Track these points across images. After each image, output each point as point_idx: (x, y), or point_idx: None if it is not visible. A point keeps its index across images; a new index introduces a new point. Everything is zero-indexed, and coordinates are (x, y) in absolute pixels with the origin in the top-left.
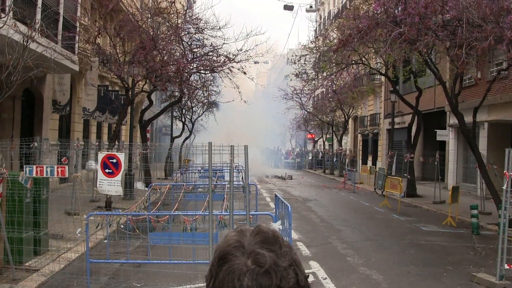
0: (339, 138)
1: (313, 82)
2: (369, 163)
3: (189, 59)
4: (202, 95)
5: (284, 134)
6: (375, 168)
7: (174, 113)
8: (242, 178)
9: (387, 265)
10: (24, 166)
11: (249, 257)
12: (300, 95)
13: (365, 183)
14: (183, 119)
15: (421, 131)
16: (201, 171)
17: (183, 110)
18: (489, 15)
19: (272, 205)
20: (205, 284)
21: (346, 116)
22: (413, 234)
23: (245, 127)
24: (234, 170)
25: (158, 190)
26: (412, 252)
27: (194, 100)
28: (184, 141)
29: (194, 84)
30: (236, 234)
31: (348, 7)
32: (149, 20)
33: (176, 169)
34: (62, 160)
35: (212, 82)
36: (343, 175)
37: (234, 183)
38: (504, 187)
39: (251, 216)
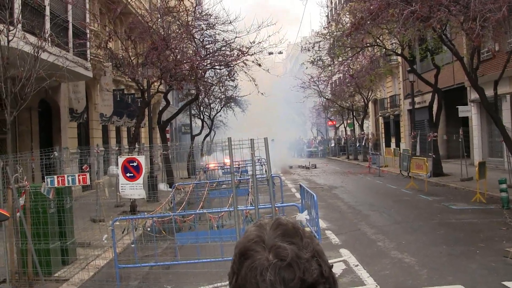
0: (360, 123)
1: (329, 68)
2: (393, 145)
3: (202, 56)
4: (218, 91)
5: (304, 123)
6: (399, 150)
7: (192, 111)
8: (265, 170)
9: (418, 247)
10: (45, 177)
11: (270, 251)
12: (317, 83)
13: (390, 166)
14: (202, 117)
15: (443, 109)
16: (224, 167)
17: (201, 107)
18: None
19: (298, 195)
20: (228, 282)
21: (366, 100)
22: (442, 213)
23: (264, 119)
24: (257, 164)
25: (181, 190)
26: (443, 232)
27: (211, 97)
28: (204, 139)
29: (209, 81)
30: (256, 229)
31: None
32: (159, 20)
33: (198, 167)
34: (83, 167)
35: (227, 77)
36: (367, 160)
37: (257, 176)
38: None
39: (276, 209)
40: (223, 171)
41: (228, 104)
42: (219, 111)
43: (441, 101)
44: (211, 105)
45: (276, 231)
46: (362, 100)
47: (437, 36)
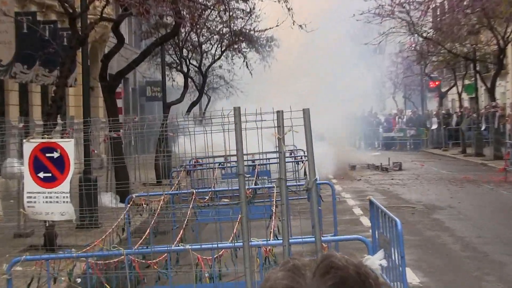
0: (488, 85)
1: None
2: None
3: None
4: (217, 20)
5: (381, 85)
6: None
7: (167, 59)
8: (305, 172)
9: None
10: None
11: None
12: (408, 7)
13: None
14: (185, 68)
15: None
16: (226, 164)
17: (183, 50)
18: None
19: (366, 221)
20: None
21: (501, 41)
22: None
23: (305, 76)
24: (288, 158)
25: (144, 206)
26: None
27: (204, 31)
28: (189, 109)
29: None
30: (286, 275)
31: None
32: None
33: (177, 163)
34: None
35: None
36: (503, 157)
37: (290, 183)
38: None
39: (325, 245)
40: (224, 172)
41: (236, 46)
42: (218, 58)
43: None
44: (203, 47)
45: (324, 280)
46: (494, 41)
47: None
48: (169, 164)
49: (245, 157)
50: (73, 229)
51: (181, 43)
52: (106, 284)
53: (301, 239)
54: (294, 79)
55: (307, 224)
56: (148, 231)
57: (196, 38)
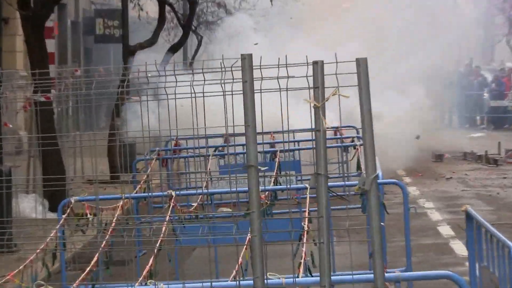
0: None
1: None
2: None
3: None
4: None
5: (487, 23)
6: None
7: None
8: (358, 165)
9: None
10: None
11: None
12: None
13: None
14: None
15: None
16: (225, 150)
17: None
18: None
19: (460, 247)
20: None
21: None
22: None
23: (360, 8)
24: (330, 141)
25: (89, 217)
26: None
27: None
28: (172, 51)
29: None
30: None
31: None
32: None
33: (146, 148)
34: None
35: None
36: None
37: (333, 182)
38: None
39: (390, 286)
40: (223, 163)
41: None
42: None
43: None
44: None
45: None
46: None
47: None
48: (132, 148)
49: (259, 138)
50: None
51: None
52: None
53: (351, 276)
54: (341, 10)
55: (362, 251)
56: (95, 259)
57: None
